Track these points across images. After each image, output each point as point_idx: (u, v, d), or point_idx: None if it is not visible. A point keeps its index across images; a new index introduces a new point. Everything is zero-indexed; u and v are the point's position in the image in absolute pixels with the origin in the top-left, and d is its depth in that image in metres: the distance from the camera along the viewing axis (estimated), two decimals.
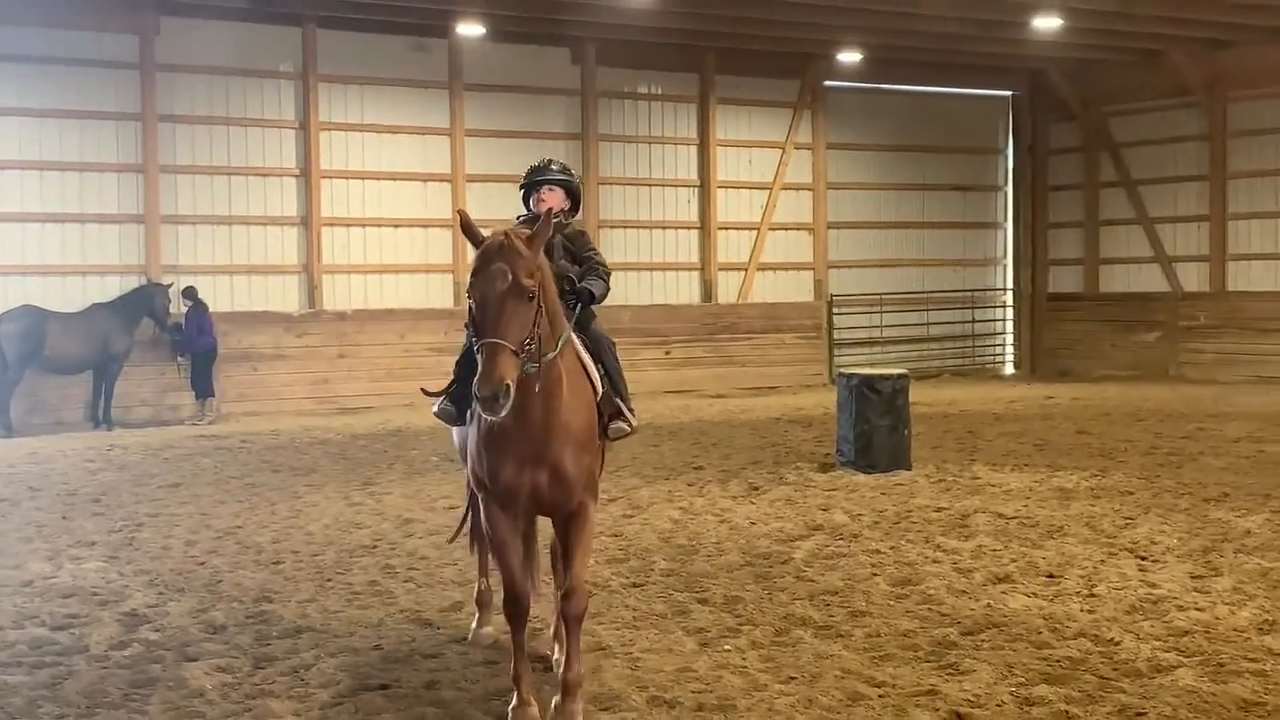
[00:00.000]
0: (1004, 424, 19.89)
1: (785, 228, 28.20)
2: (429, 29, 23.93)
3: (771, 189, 27.90)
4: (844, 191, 28.94)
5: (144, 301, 21.29)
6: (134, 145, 22.27)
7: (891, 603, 9.14)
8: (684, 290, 27.18)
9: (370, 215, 24.13)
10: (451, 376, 7.49)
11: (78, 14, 21.51)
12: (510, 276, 6.30)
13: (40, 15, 21.25)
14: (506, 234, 6.47)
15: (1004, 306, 31.37)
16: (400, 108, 24.39)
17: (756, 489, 14.06)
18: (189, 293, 21.75)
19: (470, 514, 8.32)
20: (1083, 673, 7.46)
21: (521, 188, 7.99)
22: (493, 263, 6.36)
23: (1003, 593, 9.32)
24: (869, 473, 14.70)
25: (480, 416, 6.67)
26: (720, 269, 27.40)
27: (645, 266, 26.25)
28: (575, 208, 8.07)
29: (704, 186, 27.26)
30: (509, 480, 6.77)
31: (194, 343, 21.64)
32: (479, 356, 6.27)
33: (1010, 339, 31.33)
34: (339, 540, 11.66)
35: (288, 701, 7.21)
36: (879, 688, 7.28)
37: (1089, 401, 23.18)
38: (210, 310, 21.88)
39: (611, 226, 25.67)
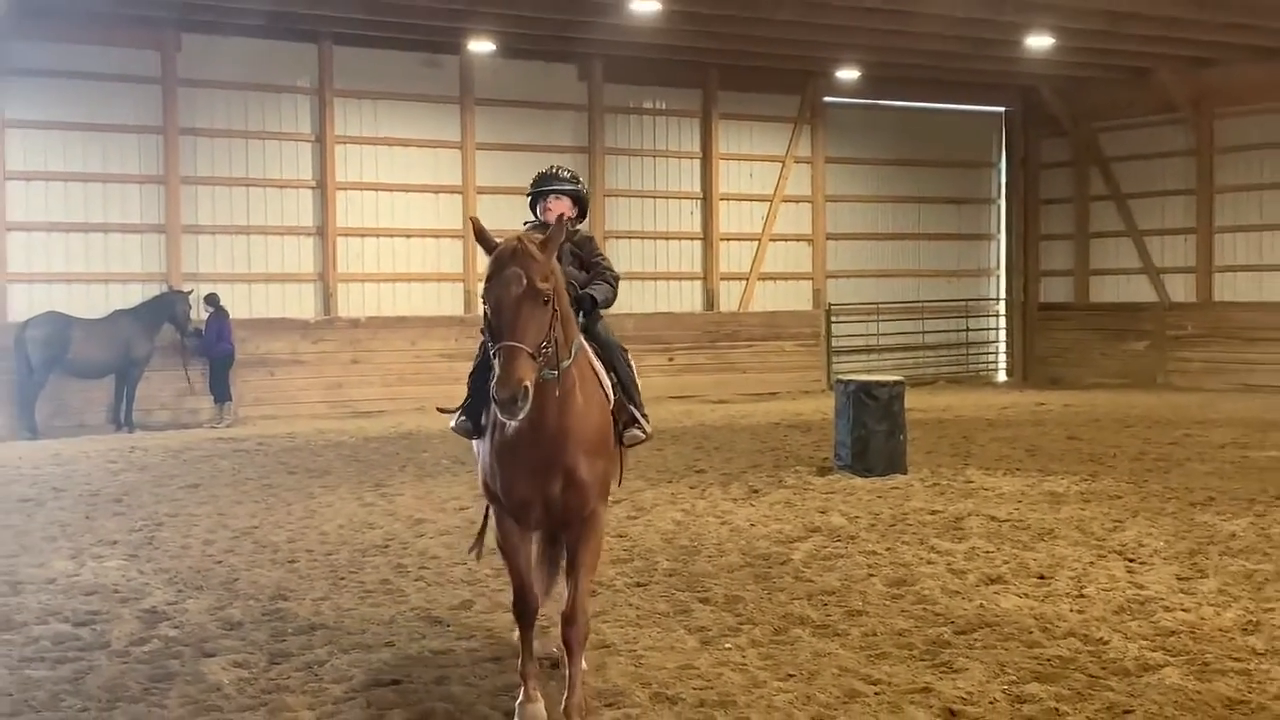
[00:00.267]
0: (997, 430, 19.88)
1: (785, 239, 28.21)
2: (441, 46, 23.96)
3: (772, 201, 27.91)
4: (842, 204, 28.95)
5: (165, 308, 21.32)
6: (156, 157, 22.30)
7: (887, 603, 9.14)
8: (687, 299, 27.19)
9: (383, 226, 24.16)
10: (466, 391, 7.25)
11: (102, 31, 21.56)
12: (525, 280, 6.12)
13: (66, 32, 21.30)
14: (520, 239, 6.30)
15: (997, 316, 31.35)
16: (413, 122, 24.42)
17: (756, 492, 14.06)
18: (211, 299, 21.79)
19: (484, 533, 7.62)
20: (1072, 671, 7.45)
21: (529, 195, 7.77)
22: (507, 267, 6.18)
23: (995, 593, 9.31)
24: (866, 476, 14.70)
25: (494, 429, 6.56)
26: (722, 278, 27.41)
27: (649, 276, 26.27)
28: (582, 215, 7.80)
29: (706, 199, 27.27)
30: (523, 492, 6.58)
31: (213, 348, 21.66)
32: (495, 360, 6.09)
33: (1003, 347, 31.32)
34: (352, 540, 11.67)
35: (302, 696, 7.22)
36: (875, 685, 7.27)
37: (1079, 408, 23.17)
38: (230, 317, 21.92)
39: (617, 237, 25.68)
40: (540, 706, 6.68)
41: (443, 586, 9.83)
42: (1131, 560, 10.34)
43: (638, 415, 7.36)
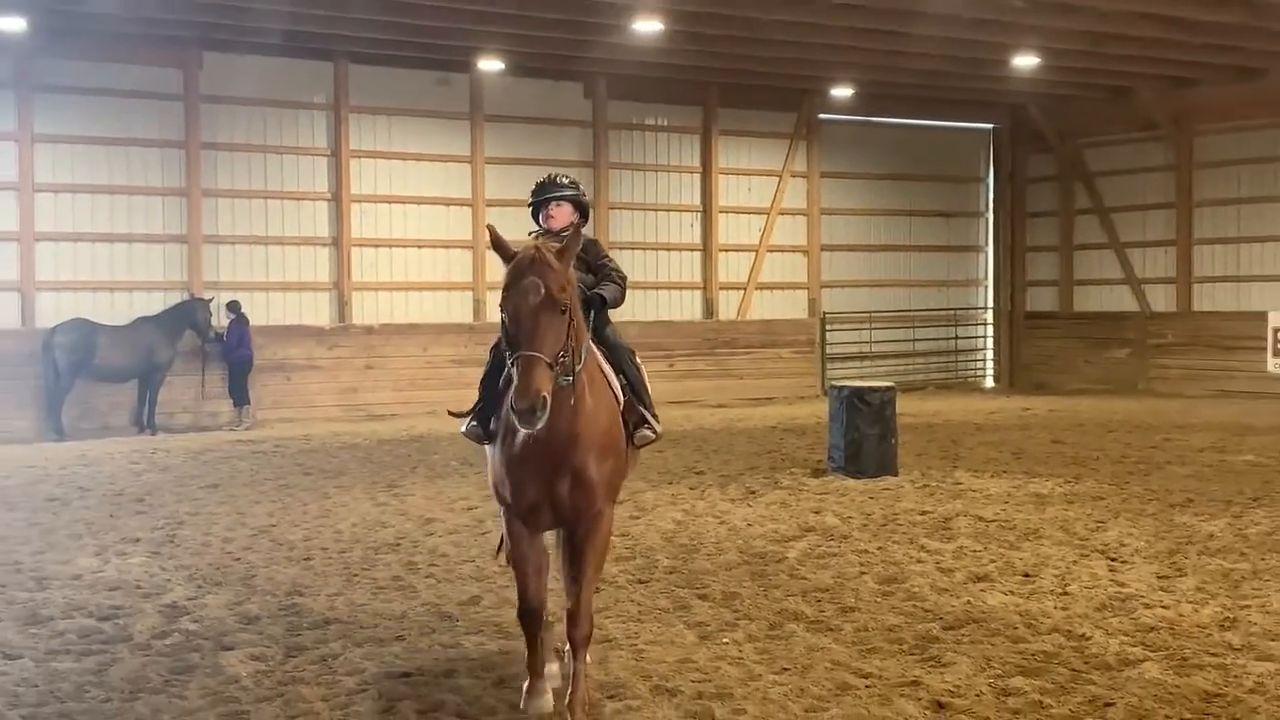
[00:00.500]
0: (984, 433, 19.86)
1: (782, 250, 28.20)
2: (452, 64, 23.97)
3: (769, 214, 27.90)
4: (836, 216, 28.94)
5: (186, 315, 21.33)
6: (178, 171, 22.32)
7: (878, 599, 9.13)
8: (687, 307, 27.19)
9: (396, 237, 24.18)
10: (477, 396, 7.07)
11: (127, 49, 21.59)
12: (543, 290, 5.96)
13: (92, 51, 21.34)
14: (537, 247, 6.13)
15: (984, 324, 31.33)
16: (425, 137, 24.44)
17: (753, 493, 14.06)
18: (233, 306, 21.82)
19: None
20: (1056, 665, 7.45)
21: (530, 205, 7.57)
22: (525, 276, 6.01)
23: (982, 590, 9.31)
24: (858, 478, 14.69)
25: (505, 434, 6.43)
26: (721, 288, 27.41)
27: (651, 285, 26.26)
28: (584, 219, 7.58)
29: (706, 211, 27.27)
30: (532, 494, 6.41)
31: (233, 353, 21.69)
32: (514, 370, 5.92)
33: (990, 354, 31.29)
34: (365, 538, 11.67)
35: (317, 688, 7.22)
36: (866, 678, 7.27)
37: (1063, 413, 23.14)
38: (250, 324, 21.94)
39: (620, 248, 25.64)
40: (548, 699, 6.58)
41: (452, 583, 9.83)
42: (1113, 559, 10.34)
43: (648, 415, 7.22)
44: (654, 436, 7.26)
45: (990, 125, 30.87)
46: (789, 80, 26.52)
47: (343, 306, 23.69)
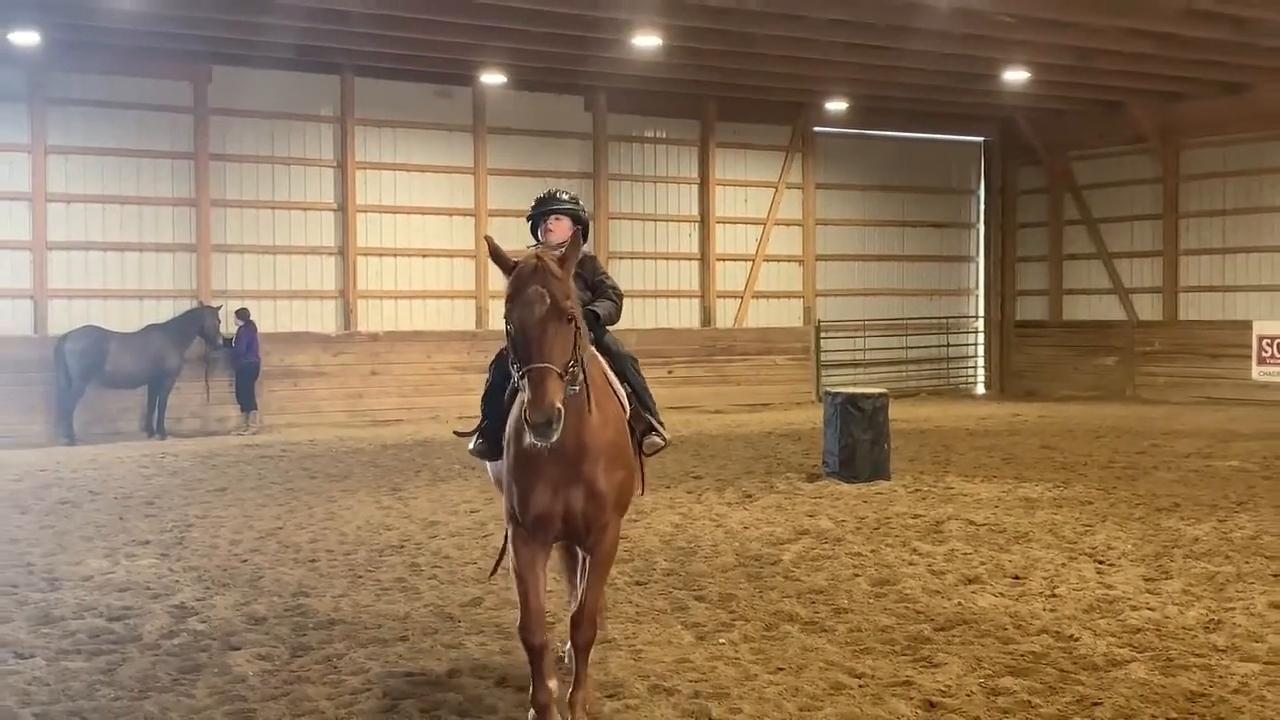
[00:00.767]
0: (975, 439, 19.86)
1: (778, 259, 28.23)
2: (455, 78, 24.01)
3: (765, 224, 27.93)
4: (831, 227, 28.97)
5: (195, 322, 21.34)
6: (188, 181, 22.36)
7: (871, 601, 9.13)
8: (685, 315, 27.20)
9: (401, 246, 24.20)
10: (480, 414, 6.89)
11: (138, 63, 21.64)
12: (549, 300, 5.74)
13: (104, 64, 21.39)
14: (539, 256, 5.91)
15: (976, 332, 31.35)
16: (429, 149, 24.47)
17: (750, 496, 14.05)
18: (241, 314, 21.86)
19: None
20: (1044, 666, 7.44)
21: (529, 219, 7.36)
22: (528, 286, 5.78)
23: (972, 592, 9.31)
24: (852, 483, 14.68)
25: (511, 448, 6.22)
26: (718, 296, 27.43)
27: (650, 294, 26.28)
28: (584, 235, 7.17)
29: (704, 222, 27.30)
30: (541, 507, 6.15)
31: (240, 359, 21.70)
32: (524, 383, 5.67)
33: (981, 362, 31.30)
34: (370, 540, 11.67)
35: (322, 687, 7.22)
36: (859, 678, 7.27)
37: (1053, 419, 23.15)
38: (258, 331, 21.97)
39: (620, 258, 25.70)
40: None
41: (454, 585, 9.82)
42: (1101, 562, 10.33)
43: (654, 423, 7.04)
44: (663, 444, 7.10)
45: (981, 138, 30.92)
46: (785, 94, 26.56)
47: (348, 314, 23.70)
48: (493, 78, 23.97)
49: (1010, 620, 8.49)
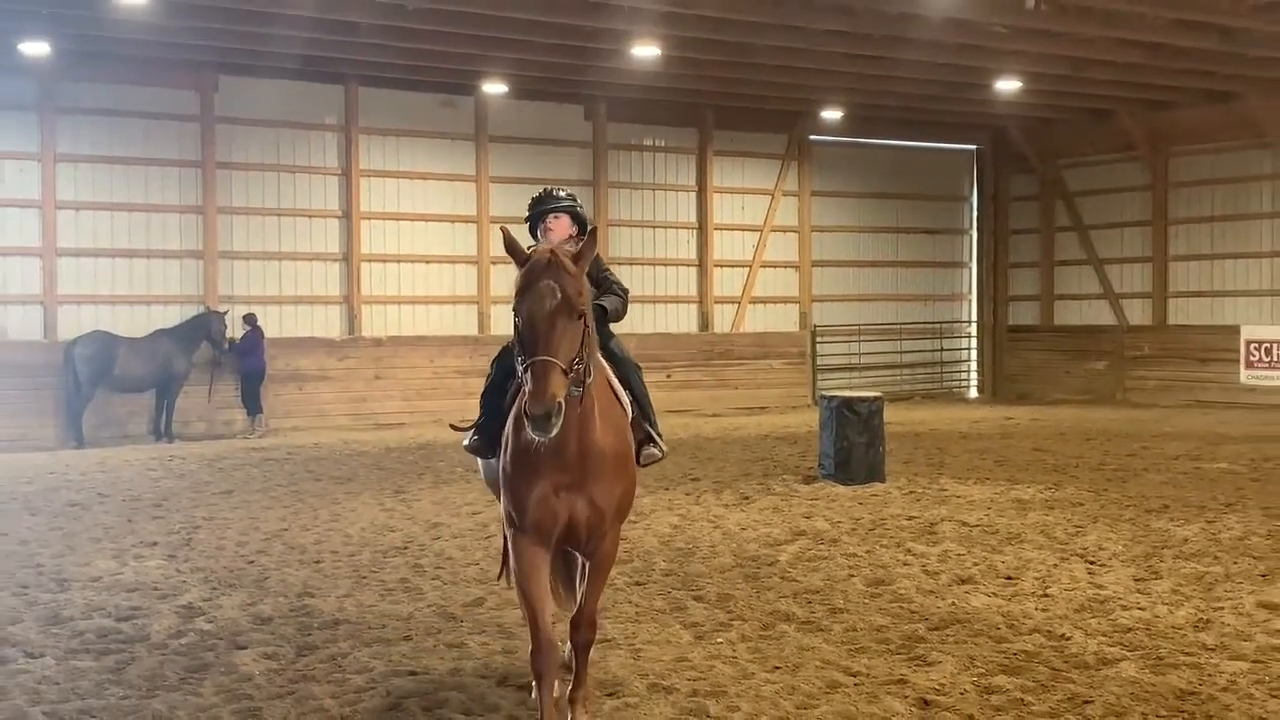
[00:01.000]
0: (968, 442, 19.86)
1: (774, 265, 28.24)
2: (458, 87, 24.03)
3: (762, 231, 27.95)
4: (826, 234, 28.98)
5: (202, 327, 21.35)
6: (195, 189, 22.36)
7: (866, 601, 9.13)
8: (684, 320, 27.21)
9: (404, 252, 24.21)
10: (479, 410, 6.69)
11: (146, 72, 21.64)
12: (559, 294, 5.52)
13: (112, 73, 21.41)
14: (553, 251, 5.70)
15: (969, 337, 31.34)
16: (432, 157, 24.48)
17: (747, 498, 14.05)
18: (249, 319, 21.91)
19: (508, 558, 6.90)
20: (1037, 665, 7.44)
21: (527, 219, 7.10)
22: (540, 280, 5.56)
23: (966, 593, 9.31)
24: (847, 485, 14.68)
25: (510, 447, 5.99)
26: (716, 302, 27.44)
27: (649, 299, 26.26)
28: (583, 231, 6.97)
29: (702, 229, 27.31)
30: (541, 511, 5.90)
31: (243, 359, 21.71)
32: (527, 375, 5.45)
33: (974, 366, 31.30)
34: (374, 542, 11.66)
35: (326, 685, 7.22)
36: (855, 677, 7.27)
37: (1045, 422, 23.15)
38: (265, 335, 21.99)
39: (619, 264, 25.66)
40: None
41: (457, 585, 9.82)
42: (1092, 563, 10.33)
43: (653, 433, 6.74)
44: (660, 456, 6.79)
45: (974, 146, 30.93)
46: (781, 103, 26.58)
47: (353, 319, 23.70)
48: (495, 87, 23.98)
49: (1003, 620, 8.49)
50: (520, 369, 5.62)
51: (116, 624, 8.58)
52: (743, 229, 27.82)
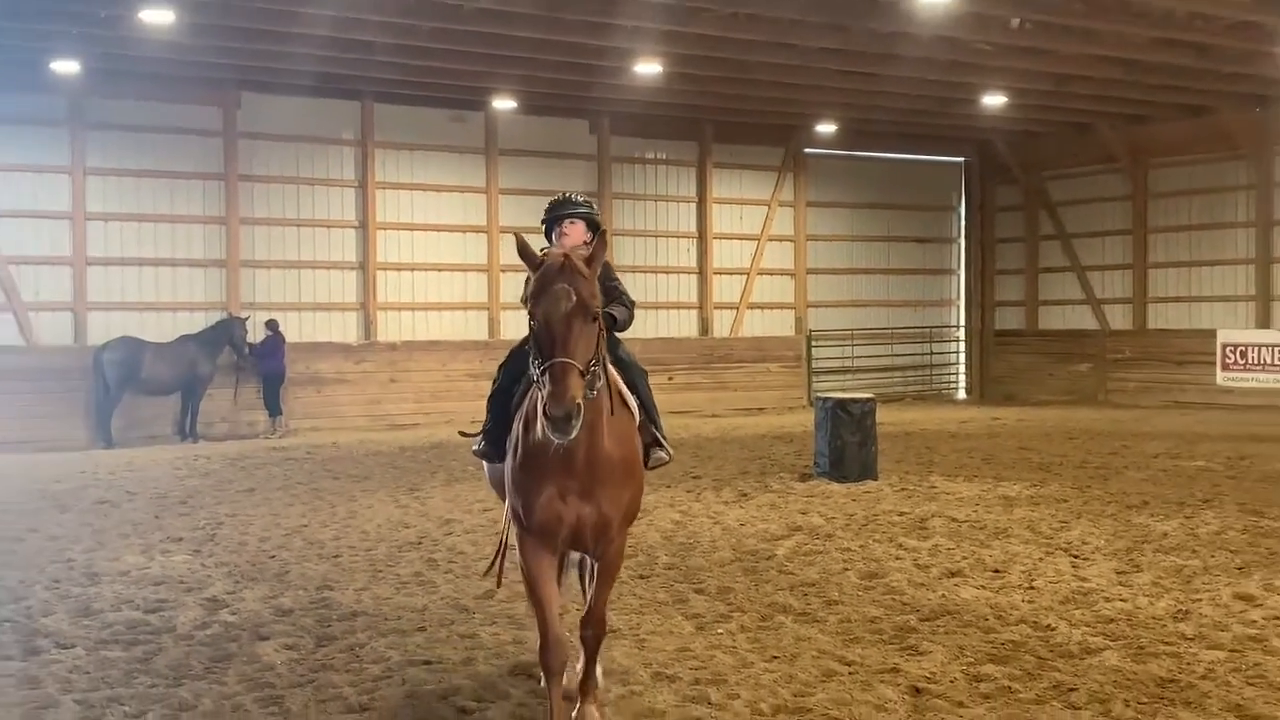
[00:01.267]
0: (957, 441, 19.85)
1: (771, 273, 28.23)
2: (469, 103, 24.04)
3: (759, 240, 27.95)
4: (821, 242, 28.97)
5: (225, 332, 21.37)
6: (218, 201, 22.40)
7: (860, 593, 9.13)
8: (684, 325, 27.20)
9: (418, 261, 24.22)
10: (486, 415, 6.52)
11: (171, 90, 21.67)
12: (575, 296, 5.34)
13: (140, 91, 21.43)
14: (567, 254, 5.52)
15: (957, 341, 31.33)
16: (444, 170, 24.49)
17: (745, 495, 14.04)
18: (271, 324, 21.94)
19: (499, 559, 7.03)
20: (1023, 654, 7.44)
21: (544, 222, 6.85)
22: (555, 283, 5.38)
23: (955, 585, 9.31)
24: (841, 482, 14.68)
25: (520, 450, 5.80)
26: (715, 308, 27.43)
27: (651, 305, 26.26)
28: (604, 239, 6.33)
29: (702, 238, 27.31)
30: (548, 513, 5.71)
31: (262, 361, 21.74)
32: (544, 377, 5.25)
33: (962, 368, 31.28)
34: (389, 537, 11.67)
35: (345, 674, 7.22)
36: (849, 666, 7.27)
37: (1030, 422, 23.14)
38: (285, 340, 22.02)
39: (623, 272, 25.17)
40: None
41: (469, 578, 9.81)
42: (1076, 556, 10.33)
43: (660, 437, 6.55)
44: (667, 459, 6.61)
45: (961, 158, 30.92)
46: (777, 117, 26.58)
47: (368, 325, 23.72)
48: (504, 103, 23.99)
49: (991, 611, 8.48)
50: (537, 371, 5.40)
51: (144, 616, 8.58)
52: (741, 238, 27.81)
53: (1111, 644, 7.61)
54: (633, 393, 6.37)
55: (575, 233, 6.70)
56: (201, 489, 15.02)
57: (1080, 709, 6.44)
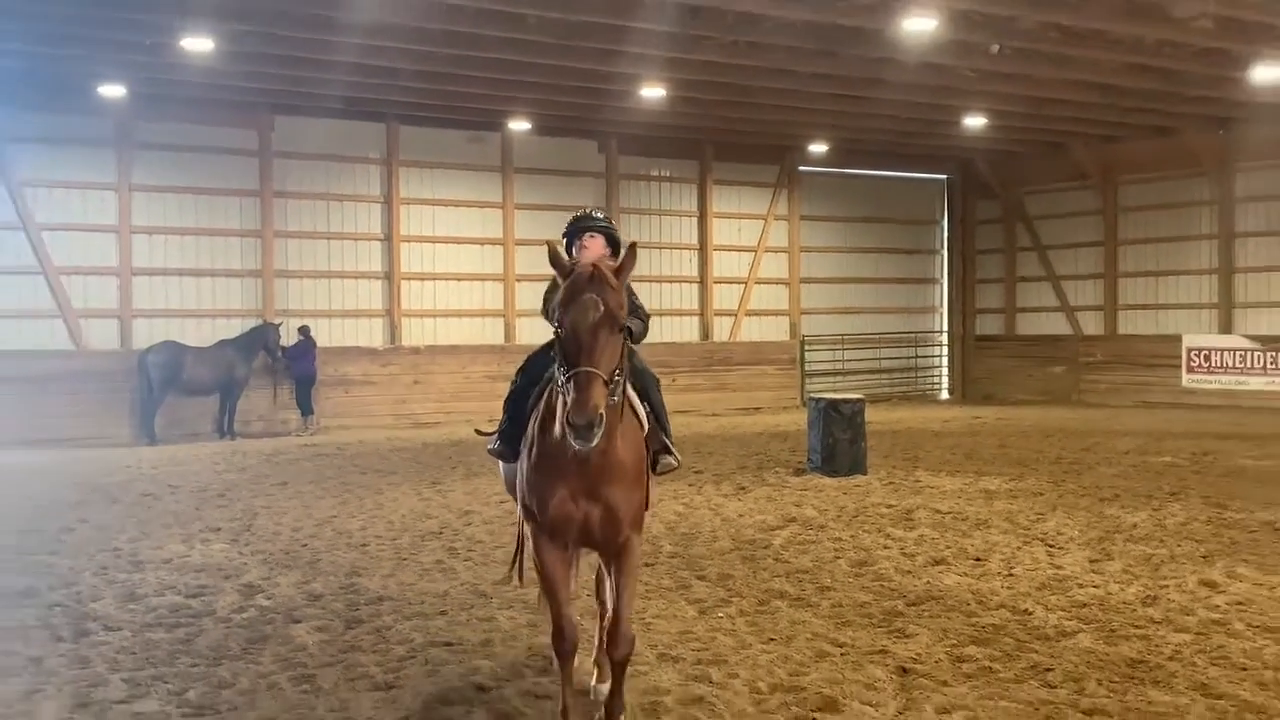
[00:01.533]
0: (940, 439, 19.83)
1: (767, 282, 28.22)
2: (486, 125, 24.07)
3: (756, 251, 27.94)
4: (814, 253, 28.95)
5: (260, 337, 21.41)
6: (254, 215, 22.43)
7: (851, 580, 9.11)
8: (687, 331, 27.19)
9: (439, 271, 24.22)
10: (502, 416, 6.27)
11: (211, 112, 21.71)
12: (603, 307, 5.14)
13: (181, 114, 21.47)
14: (595, 265, 5.33)
15: (940, 345, 31.29)
16: (463, 187, 24.50)
17: (744, 489, 14.03)
18: (303, 330, 21.99)
19: (519, 558, 6.81)
20: (1003, 636, 7.43)
21: (565, 235, 6.54)
22: (584, 293, 5.17)
23: (939, 572, 9.29)
24: (833, 477, 14.67)
25: (535, 450, 5.63)
26: (715, 314, 27.42)
27: (656, 312, 26.11)
28: (615, 254, 6.38)
29: (703, 249, 27.31)
30: (560, 512, 5.53)
31: (294, 364, 21.78)
32: (569, 385, 5.05)
33: (945, 371, 31.25)
34: (413, 527, 11.67)
35: (372, 655, 7.22)
36: (841, 647, 7.26)
37: (1008, 421, 23.11)
38: (317, 345, 22.06)
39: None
40: None
41: (487, 566, 9.81)
42: (1051, 546, 10.31)
43: (669, 444, 6.26)
44: (675, 465, 6.28)
45: (944, 176, 30.90)
46: (773, 137, 26.58)
47: (394, 330, 23.73)
48: (519, 125, 24.02)
49: (972, 596, 8.47)
50: (563, 379, 5.20)
51: (186, 600, 8.59)
52: (739, 250, 27.80)
53: (1085, 627, 7.60)
54: (645, 400, 6.15)
55: (594, 246, 6.45)
56: (239, 483, 15.03)
57: (1056, 687, 6.43)
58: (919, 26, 16.36)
